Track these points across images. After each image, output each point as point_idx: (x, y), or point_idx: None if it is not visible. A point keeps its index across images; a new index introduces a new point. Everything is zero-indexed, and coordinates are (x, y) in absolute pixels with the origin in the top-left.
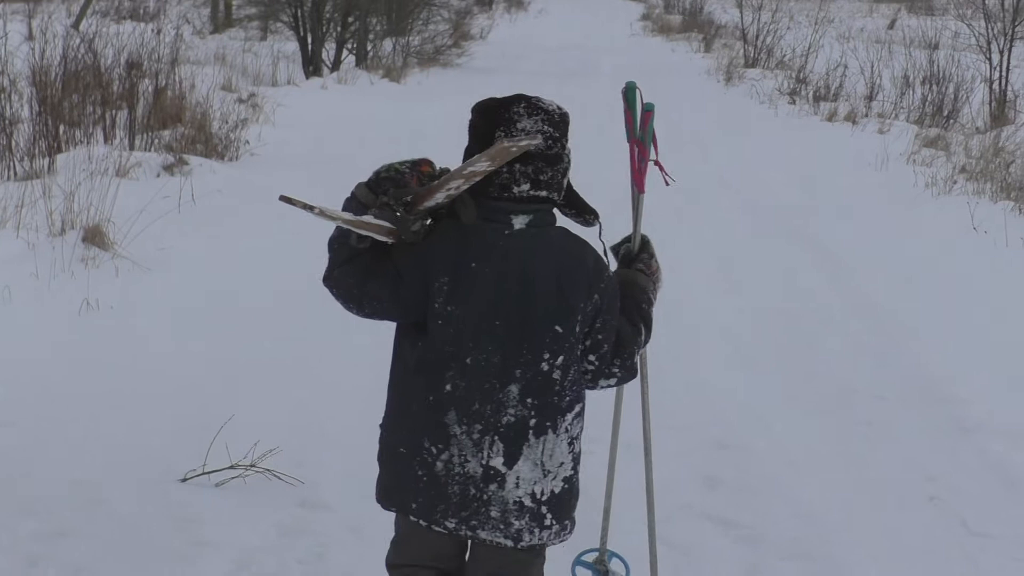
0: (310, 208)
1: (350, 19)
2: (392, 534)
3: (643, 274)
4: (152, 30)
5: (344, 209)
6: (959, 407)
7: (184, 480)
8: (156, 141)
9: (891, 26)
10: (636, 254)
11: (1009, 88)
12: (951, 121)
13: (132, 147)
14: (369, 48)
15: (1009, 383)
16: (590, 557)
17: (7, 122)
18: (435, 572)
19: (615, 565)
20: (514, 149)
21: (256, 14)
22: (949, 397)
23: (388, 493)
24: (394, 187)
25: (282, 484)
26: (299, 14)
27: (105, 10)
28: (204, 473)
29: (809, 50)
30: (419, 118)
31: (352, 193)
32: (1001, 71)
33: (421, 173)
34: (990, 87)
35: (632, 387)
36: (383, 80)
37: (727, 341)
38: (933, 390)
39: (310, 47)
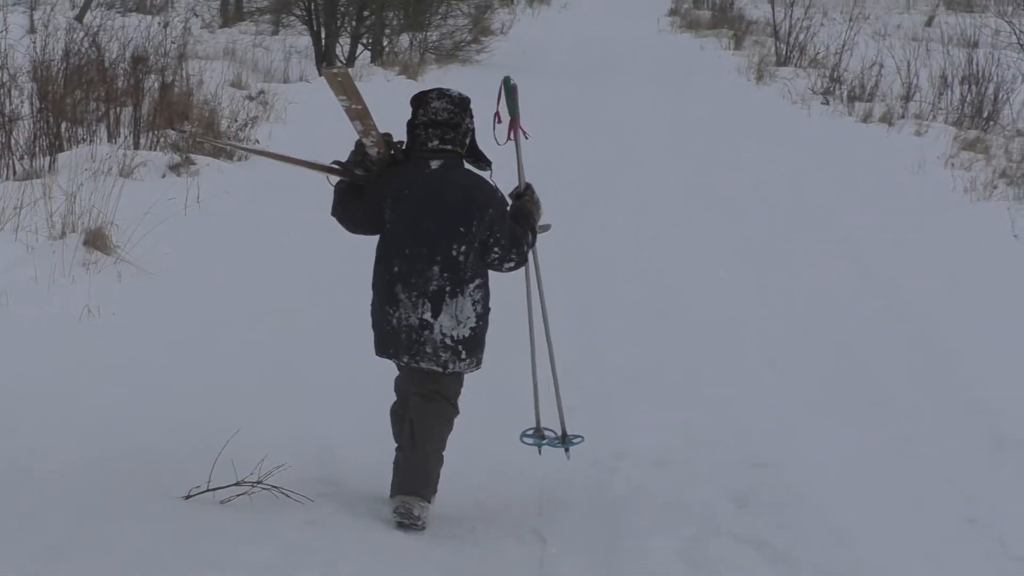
0: (261, 153)
1: (365, 13)
2: None
3: (529, 202)
4: (159, 23)
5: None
6: (999, 422)
7: (188, 497)
8: (162, 140)
9: (929, 23)
10: (523, 192)
11: None
12: (991, 123)
13: (137, 146)
14: (385, 43)
15: None
16: (530, 431)
17: (7, 119)
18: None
19: (548, 433)
20: (335, 72)
21: (268, 7)
22: (988, 411)
23: (376, 346)
24: (353, 153)
25: (290, 501)
26: (312, 7)
27: (110, 2)
28: (209, 490)
29: (843, 48)
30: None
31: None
32: None
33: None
34: None
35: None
36: (399, 77)
37: (756, 350)
38: (971, 404)
39: (323, 42)
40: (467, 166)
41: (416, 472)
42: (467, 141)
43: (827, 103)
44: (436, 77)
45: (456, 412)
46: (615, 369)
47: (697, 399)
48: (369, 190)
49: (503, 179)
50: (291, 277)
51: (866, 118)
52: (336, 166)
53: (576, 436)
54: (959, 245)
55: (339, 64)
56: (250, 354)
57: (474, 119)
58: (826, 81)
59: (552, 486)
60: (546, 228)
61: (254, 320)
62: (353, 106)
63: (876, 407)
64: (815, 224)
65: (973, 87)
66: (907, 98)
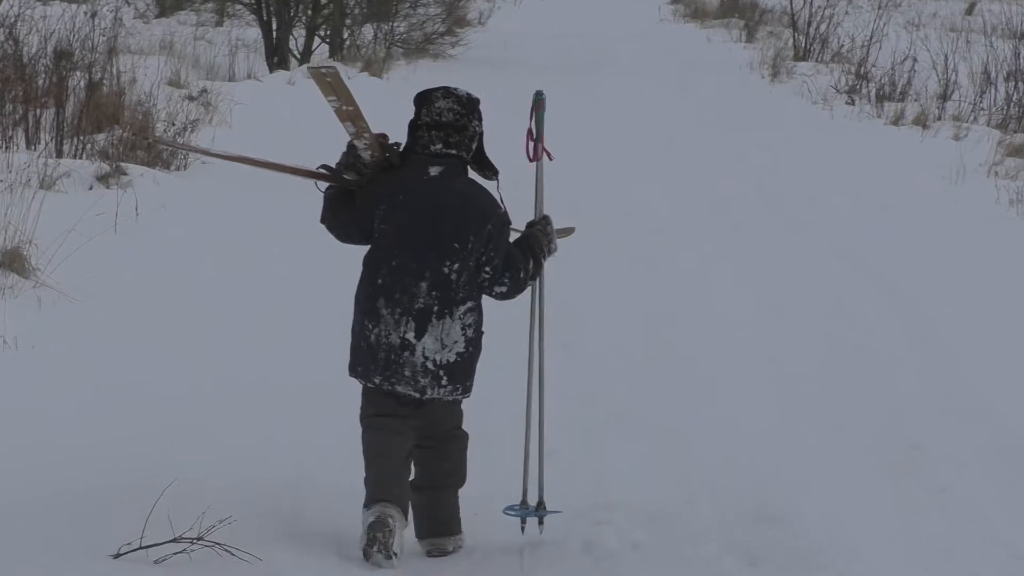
0: (239, 159)
1: (323, 1)
2: None
3: (540, 232)
4: (85, 13)
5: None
6: None
7: (117, 556)
8: (89, 146)
9: (969, 11)
10: (537, 221)
11: None
12: None
13: (60, 154)
14: (345, 36)
15: None
16: (516, 506)
17: None
18: (396, 419)
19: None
20: (323, 71)
21: None
22: None
23: (350, 365)
24: (345, 155)
25: (236, 561)
26: None
27: None
28: (142, 548)
29: (871, 40)
30: (404, 122)
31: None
32: None
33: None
34: None
35: None
36: (362, 75)
37: (770, 388)
38: (1014, 449)
39: (275, 34)
40: (471, 174)
41: (442, 512)
42: (473, 146)
43: (852, 103)
44: (403, 74)
45: (466, 436)
46: (604, 402)
47: (699, 437)
48: (361, 196)
49: (515, 200)
50: (235, 302)
51: (897, 120)
52: (324, 171)
53: (555, 510)
54: (1004, 266)
55: (300, 57)
56: (186, 391)
57: (483, 122)
58: (851, 78)
59: (535, 540)
60: (569, 231)
61: (192, 351)
62: (344, 107)
63: (906, 450)
64: (836, 241)
65: (1020, 84)
66: (944, 97)
